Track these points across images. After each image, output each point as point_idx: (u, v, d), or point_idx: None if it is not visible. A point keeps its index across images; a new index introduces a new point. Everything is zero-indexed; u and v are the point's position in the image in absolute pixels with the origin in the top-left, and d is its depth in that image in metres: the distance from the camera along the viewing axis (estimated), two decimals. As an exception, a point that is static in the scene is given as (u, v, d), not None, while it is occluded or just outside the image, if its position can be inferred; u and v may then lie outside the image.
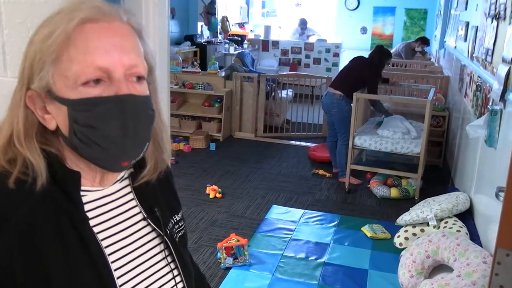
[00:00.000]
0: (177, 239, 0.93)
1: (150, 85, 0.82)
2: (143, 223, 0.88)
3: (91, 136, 0.73)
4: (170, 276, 0.88)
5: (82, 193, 0.79)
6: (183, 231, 0.97)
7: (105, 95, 0.73)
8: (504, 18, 3.06)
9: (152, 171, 0.88)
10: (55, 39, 0.72)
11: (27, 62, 0.74)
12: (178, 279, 0.89)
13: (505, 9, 3.06)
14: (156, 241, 0.88)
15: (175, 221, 0.95)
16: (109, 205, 0.84)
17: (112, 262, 0.79)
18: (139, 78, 0.77)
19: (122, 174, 0.87)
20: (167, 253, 0.88)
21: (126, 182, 0.88)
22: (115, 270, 0.79)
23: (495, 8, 3.35)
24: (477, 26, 4.16)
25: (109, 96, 0.73)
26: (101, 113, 0.72)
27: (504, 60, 2.83)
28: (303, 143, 6.08)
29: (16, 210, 0.72)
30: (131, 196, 0.88)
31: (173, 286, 0.88)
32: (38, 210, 0.73)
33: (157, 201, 0.91)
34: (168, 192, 0.98)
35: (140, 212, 0.88)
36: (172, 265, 0.89)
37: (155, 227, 0.88)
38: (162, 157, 0.89)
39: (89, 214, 0.79)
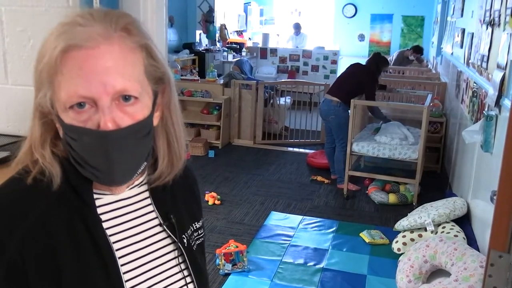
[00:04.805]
0: (194, 247, 0.93)
1: (160, 93, 0.82)
2: (159, 228, 0.88)
3: (81, 162, 0.76)
4: (182, 283, 0.88)
5: (96, 195, 0.82)
6: (202, 239, 0.97)
7: (88, 128, 0.73)
8: (499, 25, 3.09)
9: (166, 172, 0.87)
10: (44, 66, 0.73)
11: (34, 78, 0.77)
12: (190, 286, 0.89)
13: (499, 16, 3.09)
14: (171, 247, 0.88)
15: (195, 228, 0.95)
16: (124, 209, 0.85)
17: (122, 265, 0.80)
18: (131, 98, 0.75)
19: (141, 179, 0.87)
20: (180, 260, 0.88)
21: (145, 187, 0.89)
22: (124, 273, 0.80)
23: (490, 15, 3.39)
24: (473, 33, 4.20)
25: (91, 130, 0.73)
26: (86, 145, 0.74)
27: (499, 66, 2.86)
28: (301, 150, 6.10)
29: (33, 208, 0.76)
30: (148, 201, 0.88)
31: None
32: (53, 209, 0.77)
33: (175, 207, 0.91)
34: (190, 199, 0.98)
35: (157, 217, 0.88)
36: (186, 272, 0.89)
37: (170, 234, 0.88)
38: (176, 158, 0.88)
39: (103, 217, 0.81)
